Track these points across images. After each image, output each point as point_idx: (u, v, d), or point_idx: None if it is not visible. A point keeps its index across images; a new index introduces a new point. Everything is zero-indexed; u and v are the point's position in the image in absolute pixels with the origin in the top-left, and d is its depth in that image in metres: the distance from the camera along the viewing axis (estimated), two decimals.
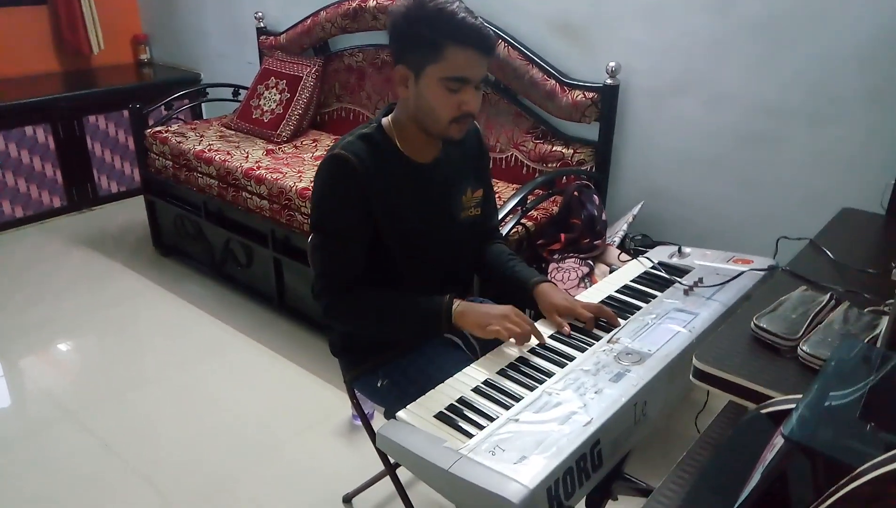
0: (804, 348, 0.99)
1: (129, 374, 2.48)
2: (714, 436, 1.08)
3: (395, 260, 1.43)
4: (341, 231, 1.37)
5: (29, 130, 3.52)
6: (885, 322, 1.01)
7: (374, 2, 2.87)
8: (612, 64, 2.30)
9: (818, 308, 1.10)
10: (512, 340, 1.31)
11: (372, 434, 1.60)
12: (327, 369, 2.41)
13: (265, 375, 2.48)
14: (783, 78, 2.05)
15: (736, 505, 0.75)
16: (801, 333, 1.04)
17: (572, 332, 1.36)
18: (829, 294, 1.14)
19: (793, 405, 0.81)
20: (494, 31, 2.51)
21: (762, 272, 1.54)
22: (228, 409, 2.29)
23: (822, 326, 1.05)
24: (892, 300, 0.99)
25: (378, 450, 1.52)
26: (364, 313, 1.40)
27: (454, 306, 1.36)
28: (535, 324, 1.36)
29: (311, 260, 1.45)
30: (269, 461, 2.06)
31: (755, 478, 0.76)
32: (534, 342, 1.32)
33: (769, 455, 0.76)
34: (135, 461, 2.05)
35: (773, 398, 0.91)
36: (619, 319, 1.39)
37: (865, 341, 1.00)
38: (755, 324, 1.06)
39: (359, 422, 2.14)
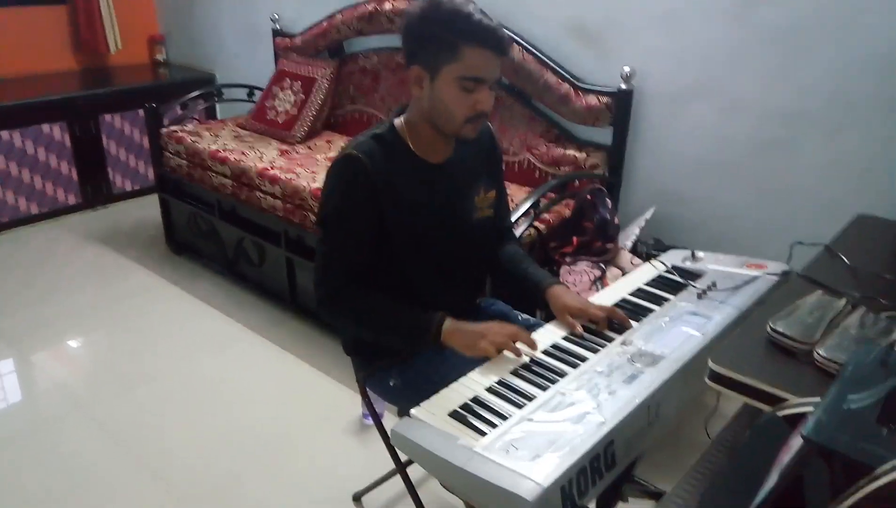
0: (820, 351, 0.99)
1: (140, 370, 2.50)
2: (728, 440, 1.08)
3: (405, 261, 1.43)
4: (345, 229, 1.38)
5: (46, 127, 3.56)
6: None
7: (390, 5, 2.89)
8: (626, 69, 2.31)
9: (834, 313, 1.09)
10: (509, 355, 1.30)
11: (383, 433, 1.60)
12: (338, 367, 2.42)
13: (276, 373, 2.49)
14: (799, 85, 2.05)
15: (752, 506, 0.75)
16: (817, 336, 1.03)
17: (584, 333, 1.36)
18: (844, 299, 1.14)
19: (810, 409, 0.81)
20: (509, 34, 2.54)
21: (776, 277, 1.54)
22: (238, 406, 2.30)
23: (839, 330, 1.05)
24: None
25: (389, 448, 1.53)
26: (356, 312, 1.41)
27: (444, 325, 1.35)
28: (547, 325, 1.36)
29: (316, 253, 1.46)
30: (278, 458, 2.06)
31: (771, 480, 0.76)
32: (531, 351, 1.30)
33: (786, 457, 0.76)
34: (144, 456, 2.06)
35: (789, 401, 0.91)
36: (632, 321, 1.39)
37: (882, 345, 0.99)
38: (771, 327, 1.06)
39: (370, 421, 2.15)
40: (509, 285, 1.59)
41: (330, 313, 1.43)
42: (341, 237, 1.39)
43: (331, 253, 1.40)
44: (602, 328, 1.37)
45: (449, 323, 1.36)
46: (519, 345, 1.30)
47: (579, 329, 1.37)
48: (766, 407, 0.96)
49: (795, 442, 0.76)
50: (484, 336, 1.31)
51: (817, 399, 0.81)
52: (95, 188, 3.85)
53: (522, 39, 2.55)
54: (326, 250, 1.40)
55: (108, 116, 3.79)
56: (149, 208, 3.69)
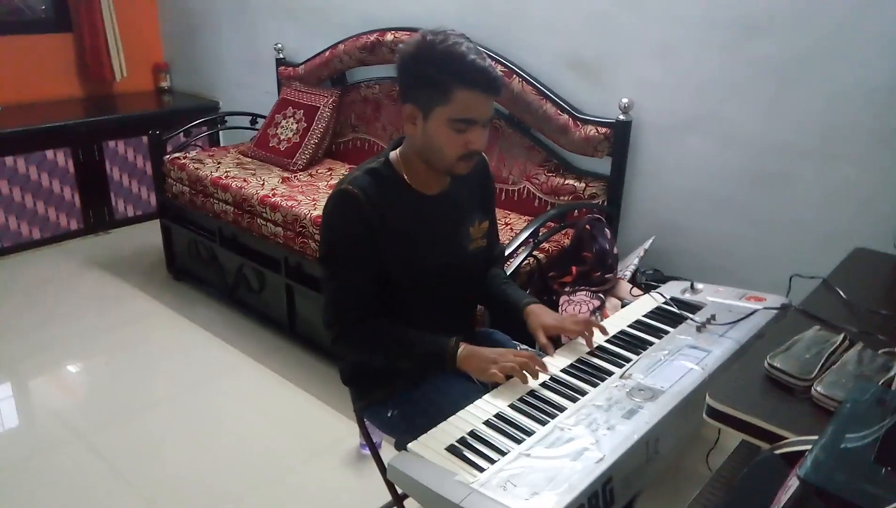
0: (818, 388, 0.99)
1: (138, 396, 2.49)
2: (727, 475, 1.07)
3: (403, 291, 1.44)
4: (348, 265, 1.39)
5: (50, 153, 3.59)
6: None
7: (392, 36, 2.93)
8: (625, 100, 2.33)
9: (832, 349, 1.09)
10: (514, 379, 1.32)
11: (380, 464, 1.59)
12: (336, 396, 2.41)
13: (274, 401, 2.48)
14: (795, 117, 2.07)
15: None
16: (814, 373, 1.03)
17: (584, 367, 1.37)
18: (842, 335, 1.14)
19: (807, 447, 0.81)
20: (509, 66, 2.58)
21: (775, 311, 1.54)
22: (236, 433, 2.29)
23: (836, 366, 1.05)
24: None
25: (386, 481, 1.52)
26: (371, 346, 1.43)
27: (459, 350, 1.37)
28: (545, 359, 1.37)
29: (323, 292, 1.47)
30: (275, 486, 2.05)
31: None
32: (542, 376, 1.33)
33: (784, 497, 0.76)
34: (140, 483, 2.05)
35: (787, 438, 0.91)
36: (631, 354, 1.39)
37: (880, 383, 0.99)
38: (769, 363, 1.06)
39: (367, 451, 2.13)
40: (489, 306, 1.61)
41: (345, 350, 1.45)
42: (346, 273, 1.40)
43: (337, 290, 1.41)
44: (588, 344, 1.41)
45: (464, 348, 1.38)
46: (529, 372, 1.31)
47: (551, 352, 1.40)
48: (764, 444, 0.95)
49: (793, 482, 0.76)
50: (496, 362, 1.33)
51: (815, 438, 0.81)
52: (97, 214, 3.87)
53: (522, 71, 2.58)
54: (333, 288, 1.42)
55: (111, 143, 3.82)
56: (150, 234, 3.71)
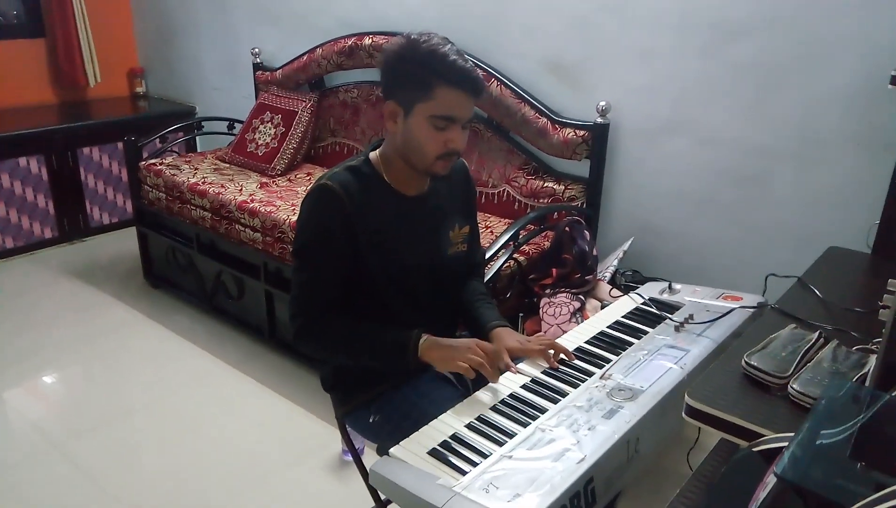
0: (794, 386, 1.01)
1: (116, 405, 2.45)
2: (706, 474, 1.08)
3: (379, 290, 1.44)
4: (320, 259, 1.39)
5: (23, 161, 3.53)
6: (873, 361, 1.02)
7: (370, 40, 2.93)
8: (602, 103, 2.35)
9: (807, 346, 1.11)
10: (491, 384, 1.31)
11: (363, 470, 1.59)
12: (317, 403, 2.40)
13: (254, 408, 2.45)
14: (772, 120, 2.10)
15: None
16: (790, 371, 1.05)
17: (561, 367, 1.38)
18: (817, 332, 1.15)
19: (784, 444, 0.82)
20: (488, 70, 2.59)
21: (752, 309, 1.56)
22: (216, 441, 2.26)
23: (812, 364, 1.07)
24: (879, 339, 1.01)
25: (369, 487, 1.51)
26: (333, 340, 1.42)
27: (421, 341, 1.37)
28: (518, 366, 1.37)
29: (292, 284, 1.46)
30: (256, 494, 2.03)
31: None
32: (513, 383, 1.32)
33: (762, 494, 0.76)
34: (118, 493, 2.01)
35: (765, 436, 0.92)
36: (610, 355, 1.40)
37: (854, 379, 1.01)
38: (746, 362, 1.08)
39: (349, 457, 2.12)
40: (462, 318, 1.60)
41: (307, 342, 1.43)
42: (316, 267, 1.39)
43: (306, 283, 1.41)
44: (551, 364, 1.39)
45: (426, 339, 1.37)
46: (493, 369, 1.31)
47: (513, 369, 1.38)
48: (742, 442, 0.96)
49: (770, 479, 0.77)
50: (465, 351, 1.33)
51: (791, 435, 0.82)
52: (72, 222, 3.81)
53: (501, 74, 2.59)
54: (302, 280, 1.41)
55: (86, 149, 3.76)
56: (126, 242, 3.65)
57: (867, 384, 0.98)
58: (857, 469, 0.74)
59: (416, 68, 1.30)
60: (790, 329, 1.18)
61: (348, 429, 1.61)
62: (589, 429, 1.14)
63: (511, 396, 1.28)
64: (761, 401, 1.02)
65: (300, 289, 1.41)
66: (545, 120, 2.49)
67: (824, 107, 2.00)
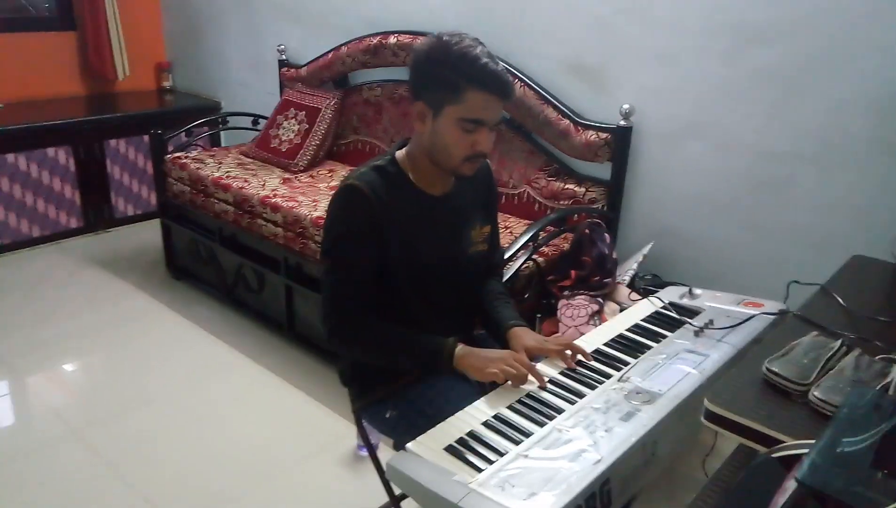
0: (816, 393, 1.00)
1: (136, 394, 2.49)
2: (724, 479, 1.08)
3: (401, 289, 1.45)
4: (350, 260, 1.40)
5: (51, 151, 3.59)
6: None
7: (395, 39, 2.94)
8: (625, 106, 2.34)
9: (829, 354, 1.10)
10: (509, 382, 1.32)
11: (378, 465, 1.60)
12: (334, 397, 2.41)
13: (271, 400, 2.48)
14: (794, 125, 2.08)
15: None
16: (812, 378, 1.04)
17: (579, 368, 1.38)
18: (840, 341, 1.14)
19: (804, 451, 0.81)
20: (511, 71, 2.59)
21: (773, 316, 1.55)
22: (233, 432, 2.29)
23: (834, 372, 1.06)
24: None
25: (383, 481, 1.52)
26: (367, 343, 1.42)
27: (456, 349, 1.38)
28: (536, 366, 1.37)
29: (322, 285, 1.47)
30: (271, 486, 2.05)
31: None
32: (532, 384, 1.32)
33: (780, 500, 0.76)
34: (136, 481, 2.04)
35: (784, 442, 0.91)
36: (629, 358, 1.39)
37: (877, 388, 1.00)
38: (767, 368, 1.07)
39: (364, 452, 2.13)
40: (480, 317, 1.60)
41: (341, 343, 1.44)
42: (347, 267, 1.40)
43: (338, 284, 1.41)
44: (568, 364, 1.38)
45: (462, 348, 1.38)
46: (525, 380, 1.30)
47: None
48: (761, 448, 0.96)
49: (790, 485, 0.76)
50: (500, 362, 1.33)
51: (812, 442, 0.81)
52: (97, 212, 3.87)
53: (524, 75, 2.59)
54: (333, 281, 1.42)
55: (113, 142, 3.82)
56: (150, 233, 3.71)
57: (890, 392, 0.97)
58: (879, 477, 0.73)
59: (447, 70, 1.30)
60: (812, 337, 1.17)
61: (364, 424, 1.62)
62: (606, 431, 1.14)
63: (528, 395, 1.28)
64: (781, 407, 1.01)
65: (332, 290, 1.42)
66: (567, 122, 2.49)
67: (847, 112, 1.98)
